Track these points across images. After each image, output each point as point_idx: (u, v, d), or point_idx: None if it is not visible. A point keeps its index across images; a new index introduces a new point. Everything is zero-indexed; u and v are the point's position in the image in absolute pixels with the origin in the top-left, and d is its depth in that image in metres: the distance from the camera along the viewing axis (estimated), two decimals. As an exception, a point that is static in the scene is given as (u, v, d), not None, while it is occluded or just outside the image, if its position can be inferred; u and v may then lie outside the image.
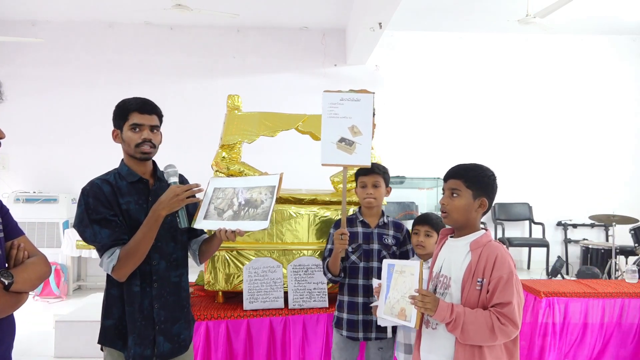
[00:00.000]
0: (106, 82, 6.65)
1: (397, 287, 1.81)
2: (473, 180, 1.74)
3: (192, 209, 1.93)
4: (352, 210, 2.72)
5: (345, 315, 2.36)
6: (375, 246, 2.33)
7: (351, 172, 2.54)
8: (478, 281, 1.65)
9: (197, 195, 1.96)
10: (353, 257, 2.34)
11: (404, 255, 2.42)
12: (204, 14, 5.40)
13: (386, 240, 2.37)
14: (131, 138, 1.82)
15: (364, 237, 2.36)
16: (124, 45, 6.84)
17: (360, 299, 2.33)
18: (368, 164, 2.23)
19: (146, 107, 1.84)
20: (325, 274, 2.34)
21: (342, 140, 2.20)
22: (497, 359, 1.66)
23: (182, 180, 1.99)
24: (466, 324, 1.60)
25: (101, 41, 6.80)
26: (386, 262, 1.93)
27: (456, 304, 1.65)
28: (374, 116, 2.25)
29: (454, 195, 1.74)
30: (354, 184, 2.53)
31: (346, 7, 6.16)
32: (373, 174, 2.35)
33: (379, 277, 2.30)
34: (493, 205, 6.96)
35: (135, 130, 1.82)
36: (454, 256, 1.76)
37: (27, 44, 6.56)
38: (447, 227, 1.90)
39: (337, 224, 2.43)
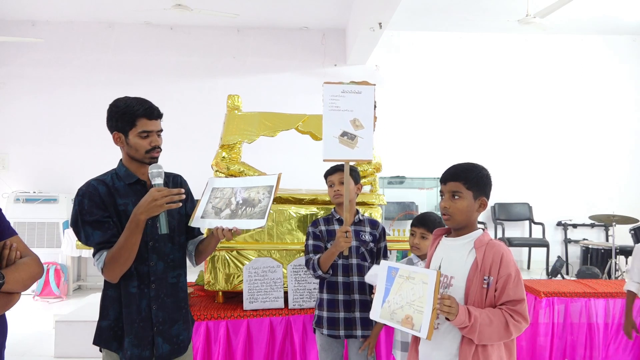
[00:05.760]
0: (106, 82, 6.65)
1: (401, 293, 1.71)
2: (473, 181, 1.73)
3: (190, 209, 1.92)
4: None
5: (325, 314, 2.36)
6: (353, 243, 2.34)
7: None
8: (484, 279, 1.65)
9: (197, 197, 1.96)
10: None
11: (380, 252, 2.44)
12: (204, 14, 5.40)
13: (363, 236, 2.40)
14: (140, 145, 1.80)
15: None
16: (124, 45, 6.84)
17: (340, 297, 2.34)
18: (370, 158, 2.20)
19: (154, 112, 1.83)
20: (315, 270, 2.30)
21: (344, 134, 2.15)
22: (500, 358, 1.67)
23: (180, 181, 1.99)
24: (482, 326, 1.60)
25: (101, 41, 6.80)
26: (386, 264, 1.83)
27: (471, 307, 1.63)
28: (375, 109, 2.22)
29: (455, 197, 1.73)
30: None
31: (346, 7, 6.16)
32: (339, 172, 2.38)
33: (359, 274, 2.32)
34: (493, 205, 6.93)
35: (145, 137, 1.81)
36: (455, 255, 1.75)
37: (27, 44, 6.56)
38: (441, 227, 1.91)
39: (314, 222, 2.46)
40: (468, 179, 1.72)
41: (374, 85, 2.22)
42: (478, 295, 1.66)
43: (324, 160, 2.18)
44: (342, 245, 2.16)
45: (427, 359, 1.76)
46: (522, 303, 1.64)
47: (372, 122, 2.19)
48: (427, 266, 1.87)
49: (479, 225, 1.79)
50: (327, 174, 2.47)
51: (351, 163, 2.25)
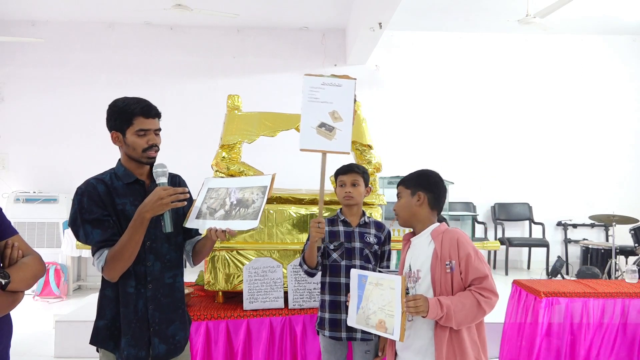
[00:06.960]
0: (106, 82, 6.65)
1: (372, 299, 1.81)
2: (410, 181, 1.96)
3: (186, 209, 1.92)
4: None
5: (327, 315, 2.34)
6: (357, 244, 2.34)
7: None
8: (447, 264, 1.77)
9: (193, 197, 1.96)
10: (335, 255, 2.34)
11: (384, 255, 2.43)
12: (204, 14, 5.40)
13: (368, 238, 2.38)
14: (137, 143, 1.80)
15: (345, 236, 2.37)
16: (124, 45, 6.84)
17: (342, 298, 2.31)
18: (348, 150, 2.20)
19: (151, 111, 1.83)
20: (301, 266, 2.32)
21: (322, 125, 2.15)
22: (473, 342, 1.77)
23: (179, 181, 1.98)
24: (456, 312, 1.70)
25: (101, 41, 6.80)
26: (355, 272, 1.92)
27: (442, 297, 1.73)
28: (354, 103, 2.22)
29: (399, 197, 1.97)
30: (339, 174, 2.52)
31: (346, 7, 6.16)
32: (352, 173, 2.37)
33: None
34: (493, 205, 6.88)
35: (142, 136, 1.81)
36: (418, 251, 1.89)
37: (27, 44, 6.56)
38: (407, 232, 2.05)
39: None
40: (405, 181, 1.97)
41: (355, 79, 2.22)
42: (444, 281, 1.77)
43: (301, 150, 2.18)
44: (313, 234, 2.15)
45: (406, 345, 1.82)
46: (487, 279, 1.75)
47: (352, 116, 2.19)
48: (401, 269, 1.98)
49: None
50: (339, 173, 2.43)
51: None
